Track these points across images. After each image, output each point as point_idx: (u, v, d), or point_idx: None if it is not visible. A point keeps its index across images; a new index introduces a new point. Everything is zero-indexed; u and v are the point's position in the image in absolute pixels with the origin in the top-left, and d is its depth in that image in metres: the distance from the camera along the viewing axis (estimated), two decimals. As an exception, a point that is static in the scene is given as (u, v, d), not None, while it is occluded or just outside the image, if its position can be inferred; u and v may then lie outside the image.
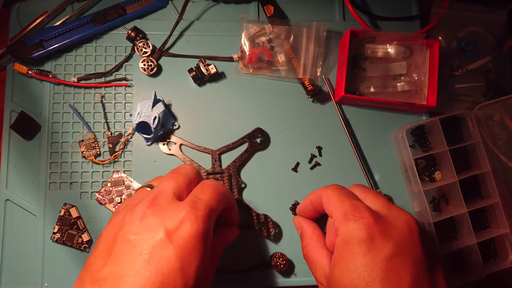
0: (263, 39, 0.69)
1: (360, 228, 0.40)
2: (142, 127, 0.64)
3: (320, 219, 0.57)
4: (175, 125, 0.67)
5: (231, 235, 0.52)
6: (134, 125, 0.63)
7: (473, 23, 0.73)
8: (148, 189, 0.45)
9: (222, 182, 0.58)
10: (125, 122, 0.67)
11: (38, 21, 0.67)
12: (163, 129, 0.65)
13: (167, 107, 0.68)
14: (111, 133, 0.67)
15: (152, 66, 0.68)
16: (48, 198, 0.64)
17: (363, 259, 0.38)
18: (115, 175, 0.65)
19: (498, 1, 0.73)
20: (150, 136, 0.64)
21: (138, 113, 0.63)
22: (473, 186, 0.69)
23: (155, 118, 0.62)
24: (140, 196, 0.44)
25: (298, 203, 0.66)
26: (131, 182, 0.65)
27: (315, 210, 0.54)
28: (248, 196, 0.66)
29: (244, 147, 0.68)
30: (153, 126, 0.62)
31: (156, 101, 0.64)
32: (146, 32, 0.70)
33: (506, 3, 0.73)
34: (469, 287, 0.64)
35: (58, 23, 0.68)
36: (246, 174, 0.67)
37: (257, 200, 0.66)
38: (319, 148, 0.69)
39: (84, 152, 0.65)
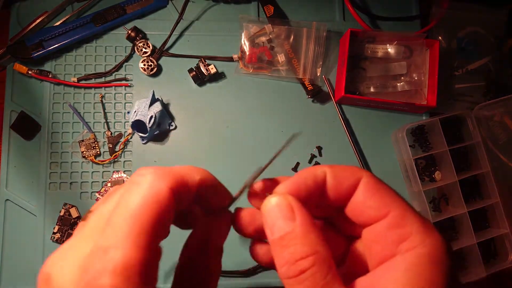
0: (263, 39, 0.69)
1: (443, 245, 0.26)
2: (138, 125, 0.64)
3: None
4: (171, 125, 0.67)
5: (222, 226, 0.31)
6: (130, 123, 0.63)
7: (473, 23, 0.73)
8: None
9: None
10: (125, 122, 0.67)
11: (38, 21, 0.67)
12: (159, 129, 0.65)
13: (166, 107, 0.68)
14: (111, 133, 0.67)
15: (152, 66, 0.68)
16: (48, 198, 0.64)
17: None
18: (115, 175, 0.65)
19: (498, 1, 0.73)
20: (145, 135, 0.64)
21: (135, 111, 0.63)
22: (473, 186, 0.69)
23: (151, 117, 0.62)
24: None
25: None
26: (131, 182, 0.65)
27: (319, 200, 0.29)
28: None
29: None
30: (148, 125, 0.62)
31: (154, 101, 0.64)
32: (146, 32, 0.70)
33: (506, 3, 0.73)
34: (469, 287, 0.64)
35: (58, 23, 0.68)
36: (245, 174, 0.67)
37: (257, 200, 0.66)
38: (319, 148, 0.69)
39: (84, 152, 0.65)
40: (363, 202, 0.26)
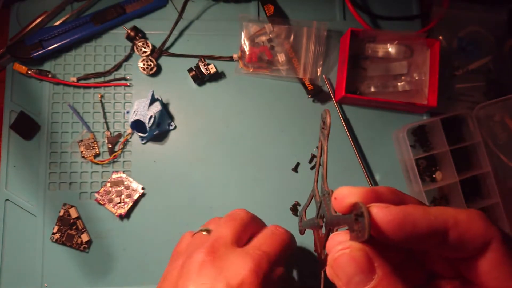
0: (263, 38, 0.68)
1: None
2: (138, 125, 0.64)
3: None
4: (171, 126, 0.67)
5: None
6: (130, 123, 0.63)
7: (474, 23, 0.73)
8: (205, 233, 0.42)
9: (287, 230, 0.44)
10: (124, 122, 0.67)
11: (37, 21, 0.67)
12: (158, 129, 0.65)
13: (166, 106, 0.68)
14: (111, 133, 0.66)
15: (152, 66, 0.67)
16: (48, 198, 0.64)
17: None
18: (115, 175, 0.65)
19: (498, 1, 0.73)
20: (145, 135, 0.64)
21: (134, 111, 0.63)
22: (473, 186, 0.69)
23: (151, 117, 0.62)
24: (198, 241, 0.41)
25: (298, 204, 0.66)
26: (131, 182, 0.65)
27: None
28: (247, 197, 0.66)
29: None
30: (148, 125, 0.62)
31: (153, 100, 0.64)
32: (145, 32, 0.69)
33: (506, 3, 0.73)
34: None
35: (57, 23, 0.68)
36: (245, 174, 0.67)
37: (257, 200, 0.66)
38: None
39: (84, 152, 0.65)
40: (489, 268, 0.23)
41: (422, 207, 0.23)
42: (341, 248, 0.22)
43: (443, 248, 0.23)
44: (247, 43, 0.68)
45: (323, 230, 0.29)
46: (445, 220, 0.23)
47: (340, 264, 0.22)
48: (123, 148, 0.66)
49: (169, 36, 0.68)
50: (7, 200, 0.64)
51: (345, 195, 0.24)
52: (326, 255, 0.25)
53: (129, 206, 0.64)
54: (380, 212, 0.22)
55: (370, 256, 0.22)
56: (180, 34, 0.70)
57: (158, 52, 0.68)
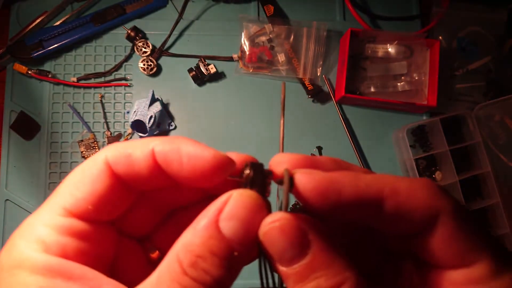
0: (263, 38, 0.69)
1: None
2: (138, 125, 0.64)
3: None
4: (171, 126, 0.67)
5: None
6: (130, 123, 0.63)
7: (474, 23, 0.73)
8: None
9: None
10: (124, 122, 0.67)
11: (37, 21, 0.67)
12: (159, 129, 0.65)
13: (166, 106, 0.68)
14: (111, 133, 0.66)
15: (152, 66, 0.67)
16: (48, 198, 0.64)
17: None
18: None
19: (498, 1, 0.73)
20: (145, 135, 0.64)
21: (135, 111, 0.63)
22: (473, 186, 0.69)
23: (151, 117, 0.62)
24: None
25: (298, 204, 0.66)
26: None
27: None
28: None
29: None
30: (148, 125, 0.62)
31: (153, 100, 0.64)
32: (145, 32, 0.69)
33: (506, 3, 0.73)
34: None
35: (57, 23, 0.68)
36: (246, 174, 0.67)
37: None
38: (319, 148, 0.69)
39: (84, 152, 0.65)
40: (441, 245, 0.20)
41: (353, 174, 0.20)
42: (271, 221, 0.20)
43: (381, 221, 0.21)
44: (247, 43, 0.68)
45: None
46: (379, 188, 0.20)
47: (270, 238, 0.19)
48: (123, 148, 0.66)
49: (169, 36, 0.68)
50: (7, 200, 0.64)
51: (278, 162, 0.23)
52: None
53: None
54: (303, 178, 0.20)
55: (303, 228, 0.19)
56: (180, 34, 0.70)
57: (158, 52, 0.68)
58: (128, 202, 0.23)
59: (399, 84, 0.69)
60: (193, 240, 0.19)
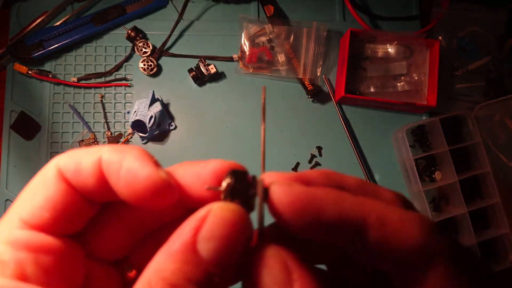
0: (263, 39, 0.69)
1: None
2: (138, 125, 0.64)
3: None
4: (171, 126, 0.67)
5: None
6: (130, 123, 0.63)
7: (473, 23, 0.73)
8: None
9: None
10: (125, 122, 0.67)
11: (38, 21, 0.67)
12: (159, 129, 0.65)
13: (166, 107, 0.68)
14: (111, 133, 0.67)
15: (152, 66, 0.67)
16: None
17: None
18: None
19: (498, 1, 0.73)
20: (145, 135, 0.64)
21: (135, 111, 0.63)
22: (473, 186, 0.69)
23: (151, 117, 0.62)
24: None
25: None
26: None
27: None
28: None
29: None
30: (148, 125, 0.62)
31: (153, 101, 0.64)
32: (146, 32, 0.69)
33: (506, 3, 0.73)
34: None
35: (58, 23, 0.68)
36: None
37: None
38: (319, 148, 0.69)
39: (84, 152, 0.65)
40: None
41: (338, 192, 0.18)
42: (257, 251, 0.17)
43: (361, 252, 0.18)
44: (247, 43, 0.68)
45: None
46: (364, 214, 0.17)
47: (252, 272, 0.17)
48: (123, 148, 0.66)
49: (169, 36, 0.68)
50: (7, 200, 0.64)
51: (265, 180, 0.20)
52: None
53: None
54: (279, 191, 0.18)
55: (287, 264, 0.17)
56: (181, 34, 0.70)
57: (158, 53, 0.68)
58: (90, 213, 0.21)
59: (399, 84, 0.69)
60: (166, 265, 0.17)
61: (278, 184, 0.18)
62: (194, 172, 0.20)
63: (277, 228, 0.20)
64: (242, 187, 0.19)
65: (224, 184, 0.19)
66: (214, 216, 0.17)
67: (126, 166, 0.19)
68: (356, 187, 0.21)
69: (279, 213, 0.18)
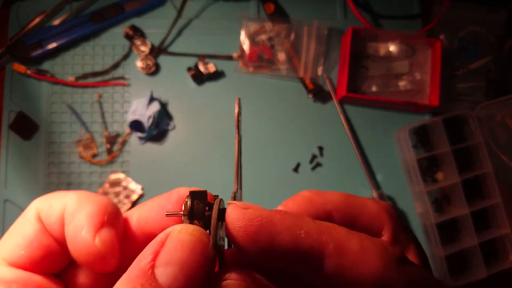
0: (263, 37, 0.68)
1: None
2: (136, 125, 0.63)
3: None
4: (170, 125, 0.67)
5: None
6: (128, 123, 0.63)
7: (474, 23, 0.73)
8: None
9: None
10: (123, 122, 0.67)
11: (37, 20, 0.66)
12: (157, 129, 0.65)
13: (165, 106, 0.67)
14: (109, 133, 0.66)
15: (151, 65, 0.67)
16: (46, 198, 0.64)
17: None
18: (113, 176, 0.65)
19: (498, 1, 0.72)
20: (144, 135, 0.64)
21: (133, 111, 0.63)
22: (474, 186, 0.69)
23: (149, 117, 0.62)
24: None
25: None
26: (129, 182, 0.64)
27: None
28: (247, 198, 0.66)
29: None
30: (147, 125, 0.62)
31: (152, 100, 0.64)
32: (144, 31, 0.69)
33: (506, 3, 0.72)
34: (470, 287, 0.64)
35: (56, 22, 0.67)
36: (244, 174, 0.67)
37: (256, 202, 0.66)
38: (320, 148, 0.68)
39: (82, 152, 0.65)
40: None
41: (296, 217, 0.17)
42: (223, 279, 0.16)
43: (317, 281, 0.17)
44: (247, 42, 0.67)
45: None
46: (322, 242, 0.17)
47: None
48: (121, 148, 0.66)
49: (168, 35, 0.67)
50: (6, 200, 0.63)
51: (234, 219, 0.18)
52: None
53: (127, 208, 0.63)
54: (233, 213, 0.17)
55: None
56: (179, 33, 0.70)
57: (157, 51, 0.68)
58: (68, 253, 0.20)
59: (400, 83, 0.68)
60: None
61: (234, 205, 0.18)
62: (158, 205, 0.20)
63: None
64: (202, 208, 0.18)
65: (183, 207, 0.18)
66: (171, 240, 0.16)
67: (74, 223, 0.19)
68: (340, 203, 0.20)
69: (233, 237, 0.17)
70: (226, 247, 0.19)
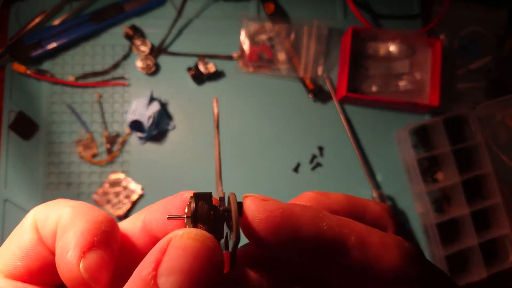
0: (263, 37, 0.68)
1: None
2: (136, 125, 0.63)
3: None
4: (170, 125, 0.67)
5: None
6: (128, 123, 0.63)
7: (474, 22, 0.72)
8: None
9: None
10: (123, 122, 0.67)
11: (37, 20, 0.66)
12: (157, 129, 0.65)
13: (165, 106, 0.67)
14: (109, 133, 0.66)
15: (150, 65, 0.67)
16: (46, 198, 0.64)
17: None
18: (113, 176, 0.65)
19: (498, 1, 0.72)
20: (144, 135, 0.64)
21: (133, 111, 0.63)
22: (474, 186, 0.69)
23: (149, 117, 0.62)
24: None
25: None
26: (129, 182, 0.64)
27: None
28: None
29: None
30: (147, 125, 0.62)
31: (152, 100, 0.64)
32: (144, 31, 0.69)
33: (506, 3, 0.72)
34: (470, 287, 0.64)
35: (56, 22, 0.67)
36: (244, 174, 0.67)
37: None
38: (320, 148, 0.68)
39: (82, 152, 0.65)
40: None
41: (316, 210, 0.17)
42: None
43: (336, 275, 0.17)
44: (247, 42, 0.67)
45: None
46: (343, 234, 0.17)
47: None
48: (121, 148, 0.66)
49: (168, 34, 0.67)
50: (6, 200, 0.63)
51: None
52: None
53: (127, 208, 0.63)
54: (253, 205, 0.17)
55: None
56: (179, 32, 0.70)
57: (157, 51, 0.68)
58: None
59: (401, 83, 0.68)
60: None
61: (252, 198, 0.17)
62: (163, 207, 0.19)
63: (250, 250, 0.18)
64: (206, 210, 0.17)
65: (186, 209, 0.17)
66: (174, 247, 0.15)
67: (63, 241, 0.18)
68: (343, 203, 0.20)
69: (253, 229, 0.16)
70: (229, 246, 0.18)
